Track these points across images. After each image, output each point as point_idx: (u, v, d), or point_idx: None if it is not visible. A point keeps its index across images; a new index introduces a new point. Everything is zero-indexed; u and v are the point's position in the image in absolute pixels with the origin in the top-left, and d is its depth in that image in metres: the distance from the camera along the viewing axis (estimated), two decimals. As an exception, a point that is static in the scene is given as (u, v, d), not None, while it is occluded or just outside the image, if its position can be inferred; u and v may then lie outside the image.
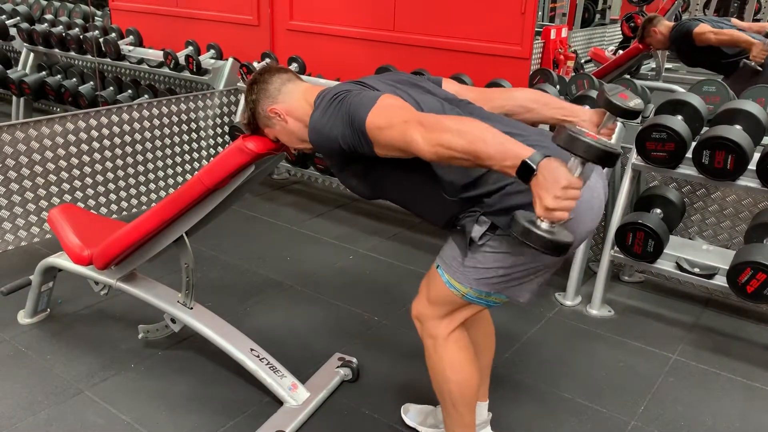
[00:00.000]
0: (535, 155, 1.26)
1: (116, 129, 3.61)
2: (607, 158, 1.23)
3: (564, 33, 4.38)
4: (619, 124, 2.92)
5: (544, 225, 1.26)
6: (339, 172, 1.72)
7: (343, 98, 1.56)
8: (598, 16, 6.00)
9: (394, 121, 1.45)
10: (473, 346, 1.79)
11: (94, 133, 3.51)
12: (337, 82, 1.70)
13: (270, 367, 2.17)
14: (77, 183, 3.50)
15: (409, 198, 1.70)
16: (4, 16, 5.71)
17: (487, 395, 2.01)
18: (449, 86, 1.79)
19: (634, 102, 1.50)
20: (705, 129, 2.65)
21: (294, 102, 1.73)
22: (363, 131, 1.49)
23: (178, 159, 4.01)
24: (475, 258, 1.58)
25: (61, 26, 5.30)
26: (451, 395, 1.74)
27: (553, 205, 1.23)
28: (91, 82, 4.95)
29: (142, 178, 3.82)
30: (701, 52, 4.00)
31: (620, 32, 5.35)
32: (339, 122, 1.54)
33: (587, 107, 1.73)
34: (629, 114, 1.51)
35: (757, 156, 2.43)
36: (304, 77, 3.79)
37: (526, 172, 1.26)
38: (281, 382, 2.15)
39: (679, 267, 2.62)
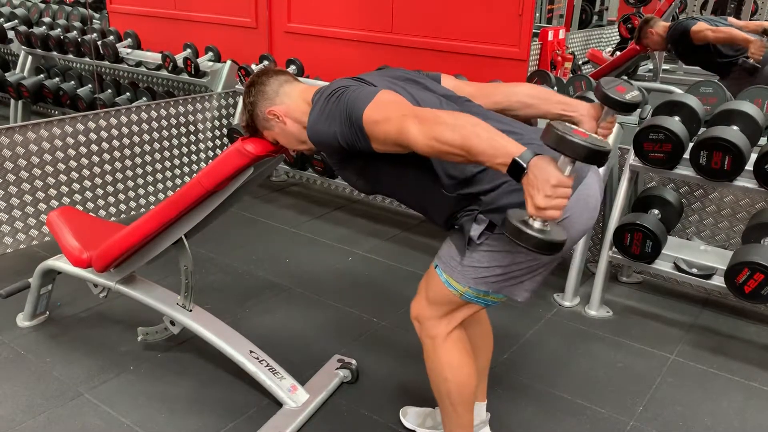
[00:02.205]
0: (526, 153, 1.26)
1: (115, 132, 3.61)
2: (594, 157, 1.21)
3: (561, 34, 4.39)
4: (617, 125, 2.93)
5: (537, 224, 1.26)
6: (339, 169, 1.73)
7: (340, 94, 1.56)
8: (595, 17, 6.02)
9: (391, 115, 1.45)
10: (471, 346, 1.79)
11: (93, 136, 3.51)
12: (335, 80, 1.70)
13: (269, 369, 2.17)
14: (76, 186, 3.50)
15: (408, 194, 1.71)
16: (2, 19, 5.71)
17: (485, 395, 2.02)
18: (448, 82, 1.79)
19: (631, 94, 1.50)
20: (702, 130, 2.65)
21: (292, 103, 1.73)
22: (360, 126, 1.50)
23: (177, 161, 4.02)
24: (473, 257, 1.59)
25: (59, 29, 5.30)
26: (449, 395, 1.74)
27: (543, 204, 1.23)
28: (90, 85, 4.95)
29: (140, 181, 3.82)
30: (698, 51, 4.01)
31: (617, 34, 5.36)
32: (337, 118, 1.54)
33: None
34: (626, 107, 1.51)
35: (754, 156, 2.44)
36: (302, 79, 3.79)
37: (516, 170, 1.26)
38: (281, 384, 2.15)
39: (677, 267, 2.63)
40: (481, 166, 1.52)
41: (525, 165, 1.25)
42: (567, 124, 1.27)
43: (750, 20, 5.24)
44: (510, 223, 1.28)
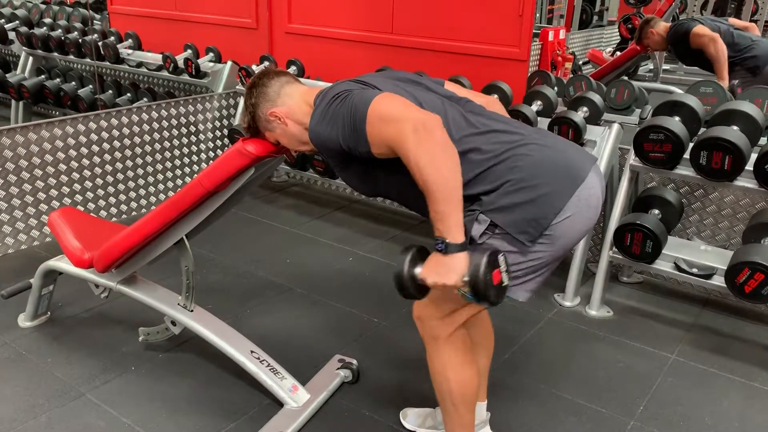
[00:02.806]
0: (456, 246, 1.42)
1: (115, 132, 3.62)
2: (477, 295, 1.42)
3: (562, 35, 4.40)
4: (617, 126, 2.94)
5: (417, 271, 1.48)
6: (340, 171, 1.73)
7: (344, 98, 1.57)
8: (595, 17, 6.02)
9: (397, 116, 1.46)
10: (472, 346, 1.80)
11: (94, 137, 3.51)
12: (337, 81, 1.71)
13: (270, 369, 2.18)
14: (77, 186, 3.50)
15: (410, 196, 1.71)
16: (3, 20, 5.72)
17: (485, 395, 2.02)
18: (450, 88, 1.80)
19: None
20: (702, 130, 2.66)
21: (293, 104, 1.74)
22: (363, 129, 1.50)
23: (178, 162, 4.02)
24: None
25: (59, 30, 5.31)
26: (451, 395, 1.74)
27: (429, 282, 1.46)
28: (90, 86, 4.96)
29: (141, 181, 3.83)
30: (698, 52, 4.02)
31: (618, 34, 5.37)
32: (339, 121, 1.55)
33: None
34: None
35: (754, 156, 2.44)
36: (302, 80, 3.80)
37: (440, 246, 1.44)
38: (282, 384, 2.15)
39: (678, 267, 2.63)
40: (483, 167, 1.54)
41: (445, 251, 1.43)
42: (502, 259, 1.44)
43: (750, 20, 5.25)
44: (402, 262, 1.48)
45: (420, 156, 1.40)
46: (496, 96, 3.19)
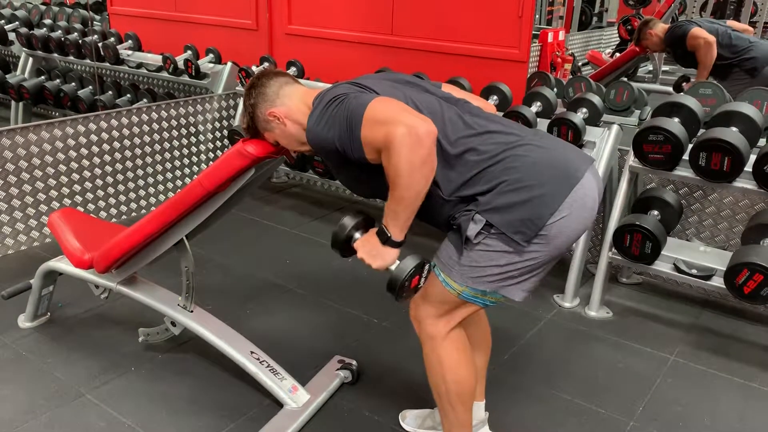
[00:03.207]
0: (396, 242, 1.60)
1: (115, 133, 3.62)
2: (392, 291, 1.60)
3: (561, 36, 4.41)
4: (616, 127, 2.94)
5: (356, 236, 1.67)
6: (337, 172, 1.75)
7: (341, 101, 1.57)
8: (595, 19, 6.03)
9: (391, 118, 1.47)
10: (470, 346, 1.80)
11: (94, 138, 3.52)
12: (336, 83, 1.71)
13: (270, 370, 2.18)
14: (77, 187, 3.50)
15: None
16: (2, 21, 5.72)
17: (483, 395, 2.02)
18: (447, 91, 1.80)
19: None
20: (701, 131, 2.66)
21: (292, 105, 1.74)
22: (357, 134, 1.52)
23: (178, 163, 4.02)
24: (471, 257, 1.59)
25: (59, 31, 5.31)
26: (448, 394, 1.75)
27: (358, 255, 1.64)
28: (90, 87, 4.96)
29: (141, 182, 3.83)
30: (695, 54, 4.03)
31: (617, 35, 5.37)
32: (336, 124, 1.56)
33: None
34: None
35: (753, 158, 2.44)
36: (302, 81, 3.80)
37: (382, 235, 1.60)
38: (281, 385, 2.16)
39: (677, 268, 2.64)
40: (479, 168, 1.56)
41: (384, 242, 1.60)
42: (427, 268, 1.65)
43: (749, 22, 5.26)
44: (348, 221, 1.66)
45: (401, 160, 1.45)
46: (492, 101, 3.24)
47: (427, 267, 1.64)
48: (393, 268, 1.61)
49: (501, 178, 1.53)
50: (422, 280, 1.65)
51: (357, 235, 1.67)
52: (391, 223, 1.57)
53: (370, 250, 1.62)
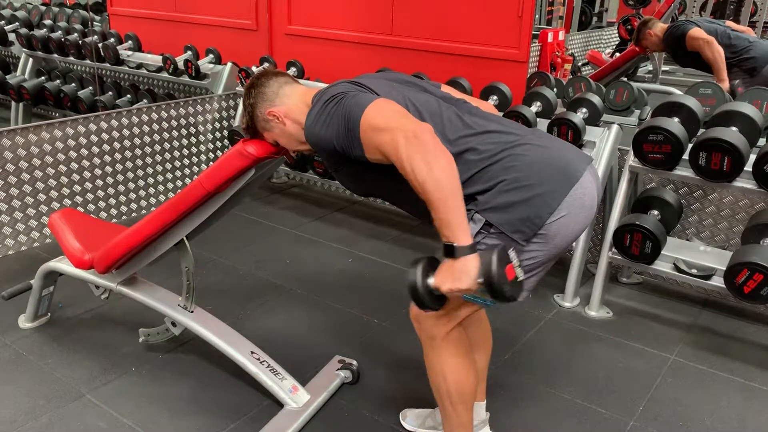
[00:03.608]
0: (465, 249, 1.41)
1: (116, 134, 3.62)
2: (495, 294, 1.41)
3: (561, 36, 4.41)
4: (616, 127, 2.94)
5: (430, 282, 1.47)
6: (334, 171, 1.74)
7: (339, 100, 1.57)
8: (595, 19, 6.03)
9: (388, 125, 1.47)
10: (470, 346, 1.80)
11: (94, 138, 3.52)
12: (335, 82, 1.71)
13: (270, 370, 2.18)
14: (77, 187, 3.51)
15: (404, 197, 1.71)
16: (2, 22, 5.72)
17: (484, 395, 2.02)
18: (446, 91, 1.81)
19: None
20: (701, 131, 2.66)
21: (292, 104, 1.74)
22: (356, 134, 1.51)
23: (178, 163, 4.03)
24: None
25: (59, 31, 5.31)
26: (449, 395, 1.75)
27: (445, 290, 1.44)
28: (90, 87, 4.96)
29: (141, 183, 3.83)
30: (695, 54, 4.03)
31: (617, 35, 5.37)
32: (334, 123, 1.56)
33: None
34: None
35: (753, 157, 2.44)
36: (302, 81, 3.80)
37: (449, 252, 1.42)
38: (282, 385, 2.16)
39: (677, 268, 2.64)
40: (478, 167, 1.55)
41: (455, 255, 1.42)
42: (512, 254, 1.44)
43: (749, 21, 5.26)
44: (416, 269, 1.47)
45: (415, 165, 1.41)
46: (492, 101, 3.23)
47: (512, 252, 1.45)
48: (480, 278, 1.41)
49: (500, 177, 1.54)
50: (517, 269, 1.45)
51: (430, 279, 1.47)
52: (447, 233, 1.42)
53: (451, 277, 1.43)
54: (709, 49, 3.87)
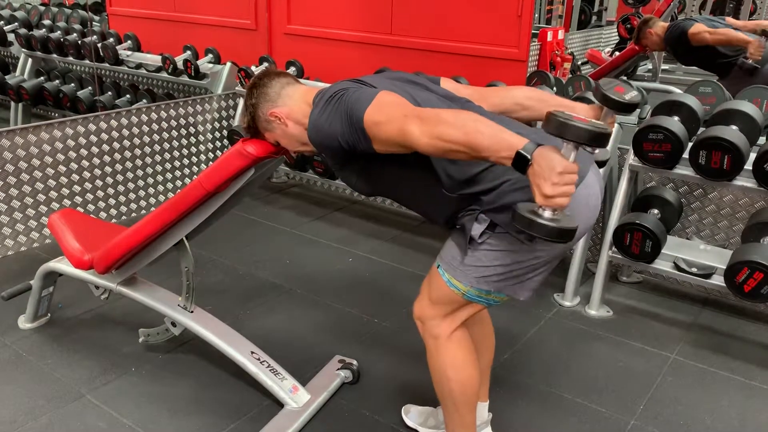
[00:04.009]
0: (529, 145, 1.27)
1: (115, 134, 3.62)
2: (597, 139, 1.23)
3: (561, 35, 4.40)
4: (616, 125, 2.94)
5: (547, 213, 1.27)
6: (339, 171, 1.74)
7: (341, 96, 1.57)
8: (594, 18, 6.02)
9: (392, 115, 1.46)
10: (473, 346, 1.80)
11: (93, 138, 3.52)
12: (336, 82, 1.71)
13: (271, 370, 2.18)
14: (77, 188, 3.50)
15: (408, 195, 1.72)
16: (2, 22, 5.71)
17: (487, 395, 2.02)
18: (447, 85, 1.79)
19: (630, 95, 1.53)
20: (701, 130, 2.66)
21: (294, 105, 1.74)
22: (361, 128, 1.50)
23: (177, 163, 4.02)
24: (475, 256, 1.59)
25: (59, 32, 5.30)
26: (452, 395, 1.75)
27: (551, 192, 1.24)
28: (90, 88, 4.95)
29: (141, 183, 3.83)
30: (696, 52, 4.02)
31: (617, 34, 5.37)
32: (338, 120, 1.55)
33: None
34: (626, 107, 1.54)
35: (753, 156, 2.44)
36: (302, 81, 3.79)
37: (521, 162, 1.27)
38: (282, 385, 2.15)
39: (677, 267, 2.64)
40: (482, 166, 1.53)
41: (529, 156, 1.26)
42: (566, 112, 1.28)
43: (749, 20, 5.25)
44: (520, 215, 1.29)
45: (435, 132, 1.37)
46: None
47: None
48: (572, 158, 1.26)
49: (504, 177, 1.53)
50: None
51: (534, 207, 1.29)
52: (505, 154, 1.29)
53: (545, 180, 1.24)
54: (714, 38, 3.84)
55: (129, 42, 4.95)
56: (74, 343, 2.53)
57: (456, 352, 1.72)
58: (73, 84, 5.05)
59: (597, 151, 1.33)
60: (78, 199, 3.53)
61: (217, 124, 4.23)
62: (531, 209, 1.29)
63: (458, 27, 3.65)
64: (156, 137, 3.85)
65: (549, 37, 4.27)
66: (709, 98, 2.93)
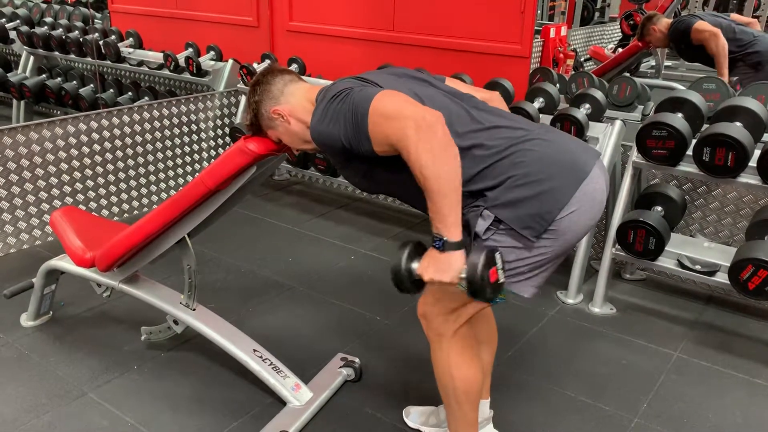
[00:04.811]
0: (454, 244, 1.43)
1: (117, 131, 3.62)
2: (476, 294, 1.44)
3: (563, 31, 4.38)
4: (619, 123, 2.93)
5: (414, 266, 1.51)
6: (342, 168, 1.73)
7: (345, 95, 1.56)
8: (597, 14, 6.01)
9: (398, 113, 1.45)
10: (476, 343, 1.79)
11: (95, 136, 3.51)
12: (339, 79, 1.70)
13: (273, 368, 2.18)
14: (79, 185, 3.50)
15: (412, 193, 1.70)
16: (3, 20, 5.71)
17: (488, 393, 2.02)
18: (450, 84, 1.79)
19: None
20: (705, 126, 2.65)
21: (296, 103, 1.73)
22: (365, 128, 1.50)
23: (179, 161, 4.02)
24: None
25: (60, 29, 5.30)
26: (455, 392, 1.74)
27: (427, 278, 1.48)
28: (92, 85, 4.96)
29: (143, 180, 3.82)
30: (700, 48, 4.01)
31: (620, 30, 5.35)
32: (341, 119, 1.54)
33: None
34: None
35: (757, 153, 2.43)
36: (305, 78, 3.79)
37: (438, 243, 1.45)
38: (284, 383, 2.15)
39: (681, 264, 2.63)
40: (485, 163, 1.54)
41: (443, 248, 1.44)
42: (498, 257, 1.45)
43: (752, 16, 5.23)
44: (399, 260, 1.51)
45: (421, 153, 1.40)
46: (497, 92, 3.22)
47: (498, 255, 1.46)
48: (464, 274, 1.44)
49: (509, 173, 1.52)
50: (500, 271, 1.45)
51: (415, 264, 1.50)
52: (439, 225, 1.44)
53: (434, 267, 1.46)
54: (714, 42, 3.85)
55: (131, 39, 4.95)
56: (76, 341, 2.53)
57: (460, 350, 1.72)
58: (75, 81, 5.05)
59: None
60: (80, 196, 3.52)
61: (218, 122, 4.23)
62: (412, 262, 1.51)
63: (461, 23, 3.64)
64: (158, 135, 3.85)
65: (552, 34, 4.26)
66: (713, 95, 2.92)
